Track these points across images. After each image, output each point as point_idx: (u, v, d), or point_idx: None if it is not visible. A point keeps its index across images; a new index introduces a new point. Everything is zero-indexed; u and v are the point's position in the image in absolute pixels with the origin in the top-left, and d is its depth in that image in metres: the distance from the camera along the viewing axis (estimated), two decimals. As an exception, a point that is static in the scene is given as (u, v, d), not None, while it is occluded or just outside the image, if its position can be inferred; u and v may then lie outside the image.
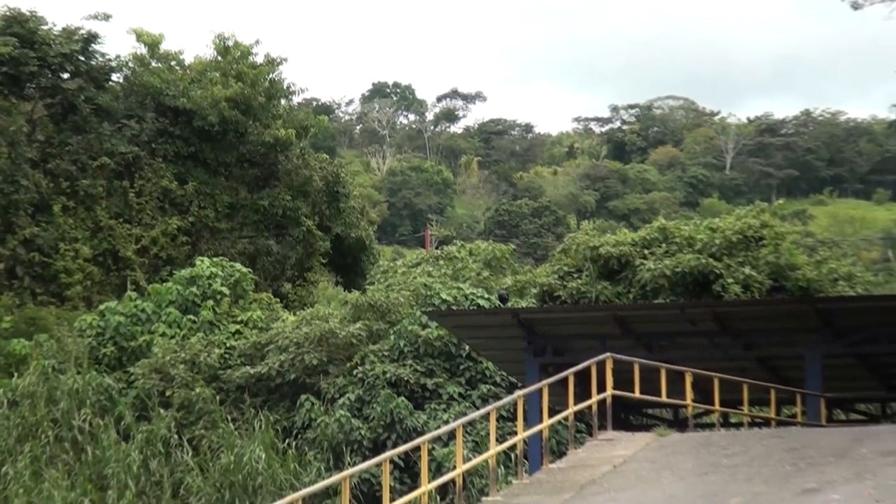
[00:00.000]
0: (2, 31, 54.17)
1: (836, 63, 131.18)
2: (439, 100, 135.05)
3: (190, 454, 43.09)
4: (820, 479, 25.87)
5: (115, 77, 57.38)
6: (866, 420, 44.47)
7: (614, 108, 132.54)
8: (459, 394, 43.53)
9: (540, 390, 30.92)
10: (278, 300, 52.12)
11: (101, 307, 50.04)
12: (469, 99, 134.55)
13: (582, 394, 31.50)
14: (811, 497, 24.85)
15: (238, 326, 48.59)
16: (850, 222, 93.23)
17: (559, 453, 31.57)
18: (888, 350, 38.50)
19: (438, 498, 27.76)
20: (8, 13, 54.94)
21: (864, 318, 39.74)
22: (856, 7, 55.77)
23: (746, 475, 26.62)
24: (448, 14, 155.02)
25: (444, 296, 48.42)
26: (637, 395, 33.35)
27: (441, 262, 60.17)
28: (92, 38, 56.34)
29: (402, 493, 27.24)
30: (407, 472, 38.79)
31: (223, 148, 56.15)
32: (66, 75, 55.90)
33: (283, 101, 59.54)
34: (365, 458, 34.36)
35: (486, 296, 49.93)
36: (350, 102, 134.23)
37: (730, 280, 48.04)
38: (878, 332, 38.65)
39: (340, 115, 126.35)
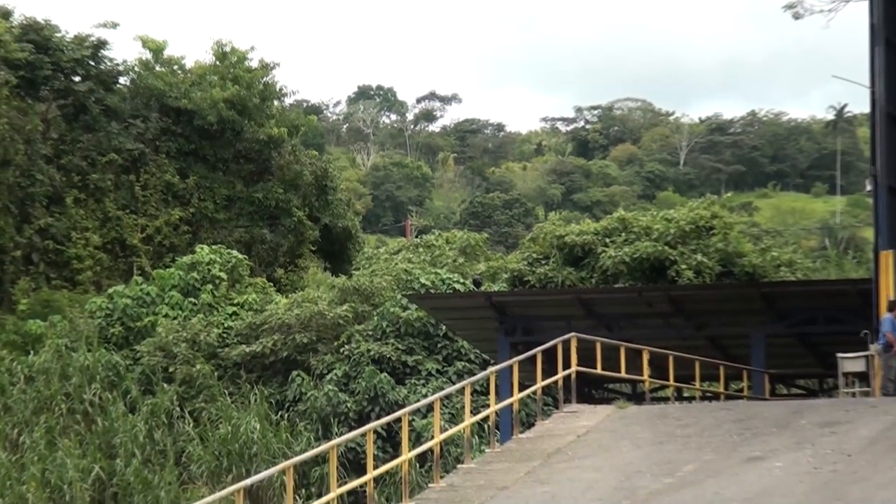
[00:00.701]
0: (19, 37, 53.92)
1: (779, 68, 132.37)
2: (418, 101, 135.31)
3: (191, 425, 43.03)
4: (764, 448, 25.95)
5: (122, 80, 57.30)
6: (805, 394, 44.54)
7: (578, 109, 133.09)
8: (437, 370, 43.53)
9: (510, 367, 30.93)
10: (271, 284, 52.01)
11: (110, 291, 49.92)
12: (446, 101, 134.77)
13: (549, 370, 31.38)
14: (756, 464, 24.93)
15: (235, 308, 48.50)
16: (791, 213, 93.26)
17: (528, 424, 31.40)
18: (825, 330, 38.60)
19: (418, 465, 27.55)
20: (24, 21, 54.67)
21: (804, 301, 39.92)
22: (797, 17, 55.70)
23: (698, 444, 26.63)
24: (427, 22, 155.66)
25: (422, 280, 48.42)
26: (599, 371, 33.20)
27: (420, 249, 60.29)
28: (101, 44, 56.15)
29: (385, 460, 27.02)
30: (389, 442, 38.68)
31: (221, 145, 56.02)
32: (77, 78, 55.70)
33: (275, 102, 59.43)
34: (351, 429, 34.12)
35: (462, 280, 49.92)
36: (337, 104, 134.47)
37: (683, 266, 48.10)
38: (816, 314, 38.92)
39: (328, 115, 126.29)
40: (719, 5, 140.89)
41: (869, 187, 37.40)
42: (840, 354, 34.90)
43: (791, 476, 23.98)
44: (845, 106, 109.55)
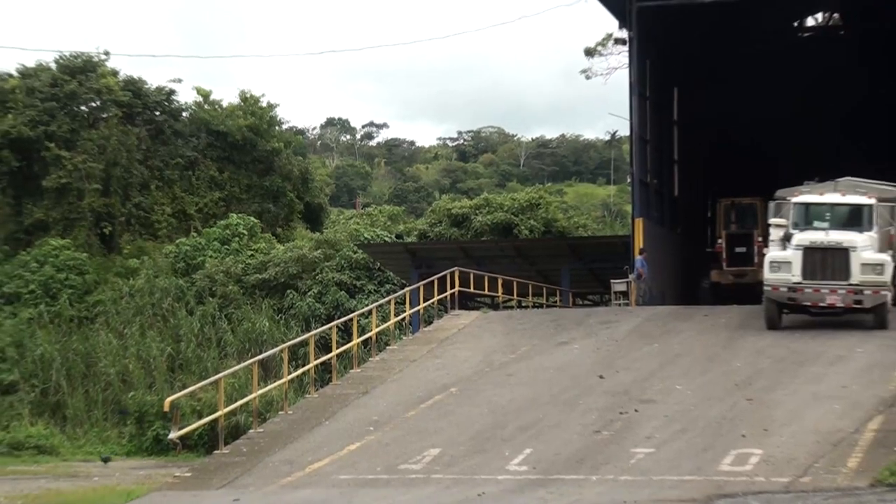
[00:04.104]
0: (123, 87, 52.98)
1: (579, 106, 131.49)
2: (363, 127, 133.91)
3: (226, 323, 42.70)
4: (568, 337, 25.88)
5: (184, 113, 56.21)
6: (592, 304, 44.80)
7: (459, 132, 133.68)
8: (374, 289, 43.37)
9: (418, 288, 30.88)
10: (274, 238, 51.48)
11: (177, 241, 49.36)
12: (380, 126, 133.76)
13: (441, 289, 31.26)
14: (563, 346, 24.97)
15: (252, 252, 48.02)
16: (585, 196, 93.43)
17: (428, 322, 31.39)
18: (604, 266, 38.57)
19: (363, 347, 27.50)
20: (125, 77, 53.89)
21: (592, 248, 40.11)
22: (588, 78, 56.08)
23: (530, 334, 26.57)
24: (368, 74, 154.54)
25: (366, 235, 48.20)
26: (472, 290, 33.22)
27: (364, 217, 60.04)
28: (172, 91, 55.23)
29: (342, 344, 26.76)
30: (345, 333, 38.35)
31: (244, 153, 55.30)
32: (157, 113, 54.69)
33: (276, 128, 58.77)
34: (322, 325, 33.94)
35: (389, 235, 49.71)
36: (314, 128, 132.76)
37: (523, 227, 48.19)
38: (598, 256, 39.01)
39: (308, 135, 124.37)
40: (547, 66, 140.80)
41: (629, 180, 37.74)
42: (612, 280, 35.17)
43: (584, 353, 24.15)
44: (616, 131, 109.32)
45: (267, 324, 41.58)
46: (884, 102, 41.31)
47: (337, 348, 24.88)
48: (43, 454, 33.76)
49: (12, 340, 41.41)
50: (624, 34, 36.05)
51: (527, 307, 35.95)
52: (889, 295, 24.21)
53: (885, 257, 24.42)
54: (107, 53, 54.35)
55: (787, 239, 24.84)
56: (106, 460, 31.98)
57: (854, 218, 24.89)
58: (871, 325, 24.17)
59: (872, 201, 25.18)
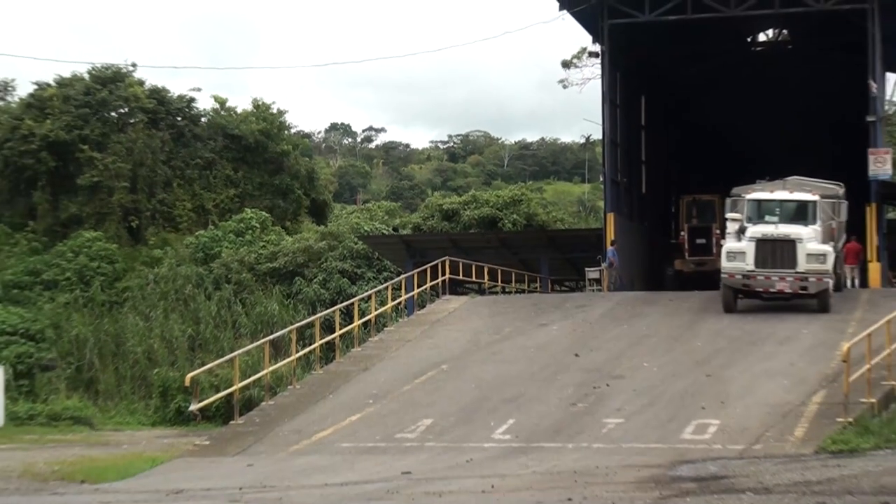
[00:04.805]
0: (149, 95, 52.61)
1: (557, 112, 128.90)
2: (363, 131, 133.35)
3: (240, 307, 42.46)
4: (547, 319, 25.93)
5: (203, 119, 55.82)
6: (569, 290, 44.75)
7: (450, 136, 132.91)
8: (373, 277, 43.17)
9: (413, 275, 30.76)
10: (283, 230, 51.23)
11: (196, 234, 49.05)
12: (378, 131, 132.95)
13: (433, 277, 31.22)
14: (543, 327, 25.00)
15: (264, 243, 47.75)
16: (563, 193, 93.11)
17: (422, 306, 31.34)
18: (579, 256, 38.34)
19: (363, 328, 27.46)
20: (151, 87, 53.43)
21: (569, 240, 40.00)
22: (565, 87, 55.95)
23: (513, 317, 26.58)
24: (367, 84, 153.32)
25: (365, 228, 47.94)
26: (461, 277, 33.20)
27: (364, 211, 59.71)
28: (192, 99, 54.76)
29: (344, 326, 26.74)
30: (347, 316, 38.21)
31: (256, 155, 54.89)
32: (179, 118, 54.34)
33: (285, 132, 58.35)
34: (326, 309, 33.85)
35: (386, 228, 49.55)
36: (319, 132, 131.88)
37: (506, 221, 48.02)
38: (575, 246, 38.83)
39: (314, 139, 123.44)
40: (528, 76, 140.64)
41: (601, 179, 37.67)
42: (586, 268, 35.15)
43: (561, 333, 24.17)
44: (590, 135, 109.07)
45: (277, 307, 41.43)
46: (826, 111, 41.41)
47: (340, 329, 24.90)
48: (78, 424, 33.62)
49: (51, 322, 41.27)
50: (597, 48, 35.98)
51: (510, 293, 35.97)
52: (831, 282, 24.31)
53: (828, 248, 24.52)
54: (134, 65, 54.24)
55: (741, 232, 24.90)
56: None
57: (800, 213, 24.96)
58: (815, 309, 24.24)
59: (816, 198, 25.27)
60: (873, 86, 31.45)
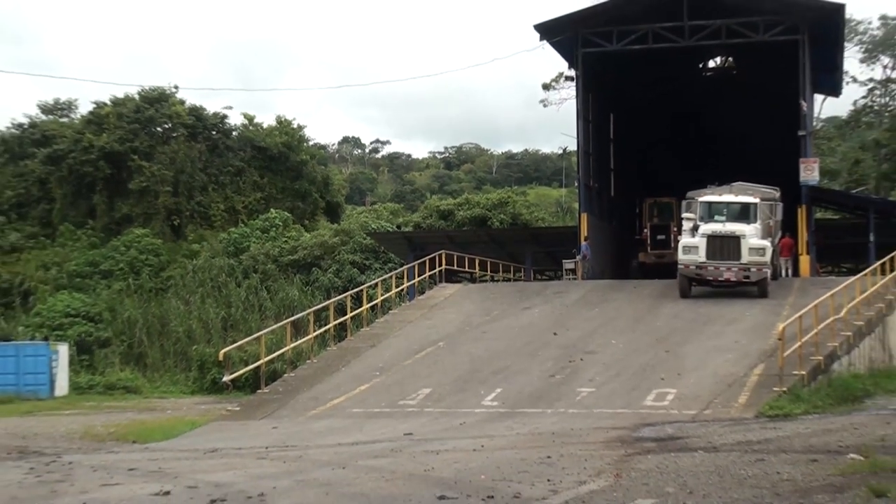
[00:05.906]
0: (188, 113, 52.45)
1: (540, 127, 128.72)
2: (371, 143, 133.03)
3: (266, 293, 42.34)
4: (530, 303, 25.95)
5: (234, 133, 55.63)
6: (549, 279, 44.66)
7: (446, 147, 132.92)
8: (379, 267, 43.03)
9: (414, 266, 30.69)
10: (303, 228, 51.08)
11: (228, 231, 48.92)
12: (384, 143, 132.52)
13: (431, 267, 31.14)
14: (526, 310, 24.98)
15: (286, 239, 47.54)
16: (544, 196, 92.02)
17: (422, 292, 31.28)
18: (558, 250, 38.27)
19: (371, 311, 27.39)
20: (190, 106, 53.27)
21: (550, 236, 39.86)
22: (545, 106, 55.76)
23: (501, 302, 26.56)
24: (374, 98, 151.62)
25: (373, 226, 47.80)
26: (455, 268, 33.12)
27: (372, 212, 59.54)
28: (225, 116, 54.55)
29: (354, 309, 26.67)
30: (357, 300, 38.11)
31: (279, 163, 54.65)
32: (214, 132, 54.13)
33: (304, 144, 58.05)
34: (339, 295, 33.73)
35: (391, 226, 49.43)
36: (333, 144, 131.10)
37: (495, 220, 47.93)
38: (554, 241, 38.75)
39: (328, 150, 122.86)
40: (514, 96, 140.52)
41: (576, 184, 37.52)
42: (564, 260, 35.12)
43: (542, 316, 24.17)
44: (567, 147, 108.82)
45: (297, 293, 41.36)
46: (765, 126, 41.58)
47: (351, 312, 24.88)
48: (129, 393, 33.56)
49: (107, 306, 41.23)
50: (572, 73, 35.98)
51: (498, 281, 36.00)
52: (769, 272, 24.48)
53: (767, 243, 24.70)
54: (176, 87, 54.32)
55: (695, 229, 24.99)
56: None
57: (744, 213, 25.11)
58: (756, 295, 24.31)
59: (757, 200, 25.57)
60: (804, 105, 31.61)
